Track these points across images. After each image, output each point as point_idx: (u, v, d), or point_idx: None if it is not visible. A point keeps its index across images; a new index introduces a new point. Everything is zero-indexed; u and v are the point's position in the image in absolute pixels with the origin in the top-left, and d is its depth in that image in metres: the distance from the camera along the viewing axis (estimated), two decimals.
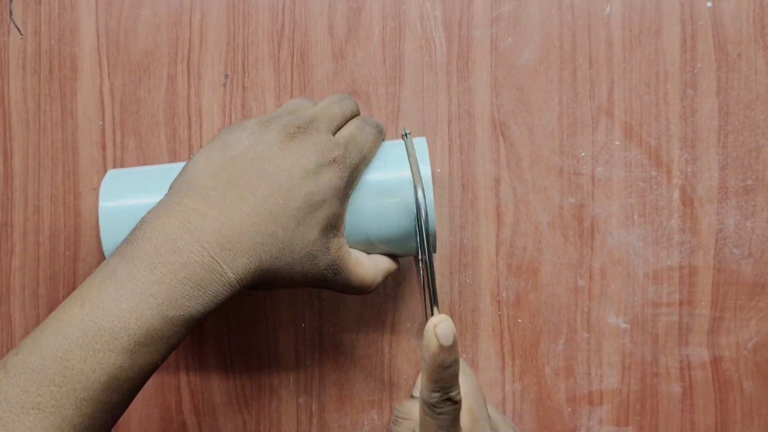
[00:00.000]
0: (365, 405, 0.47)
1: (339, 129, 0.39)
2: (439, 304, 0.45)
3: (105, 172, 0.46)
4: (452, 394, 0.35)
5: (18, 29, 0.46)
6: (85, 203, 0.46)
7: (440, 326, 0.34)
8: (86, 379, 0.31)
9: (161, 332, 0.32)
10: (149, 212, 0.35)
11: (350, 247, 0.39)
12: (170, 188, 0.37)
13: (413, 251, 0.41)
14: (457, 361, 0.35)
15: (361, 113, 0.43)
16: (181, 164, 0.42)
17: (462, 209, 0.46)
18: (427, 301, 0.40)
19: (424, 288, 0.37)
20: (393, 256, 0.42)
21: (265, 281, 0.35)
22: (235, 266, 0.33)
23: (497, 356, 0.46)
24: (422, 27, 0.46)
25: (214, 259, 0.33)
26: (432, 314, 0.36)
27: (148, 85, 0.46)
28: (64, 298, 0.46)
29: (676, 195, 0.46)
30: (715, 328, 0.46)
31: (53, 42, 0.46)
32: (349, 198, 0.38)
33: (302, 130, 0.37)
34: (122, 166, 0.46)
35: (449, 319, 0.35)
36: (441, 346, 0.34)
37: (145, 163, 0.46)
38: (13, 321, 0.46)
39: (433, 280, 0.36)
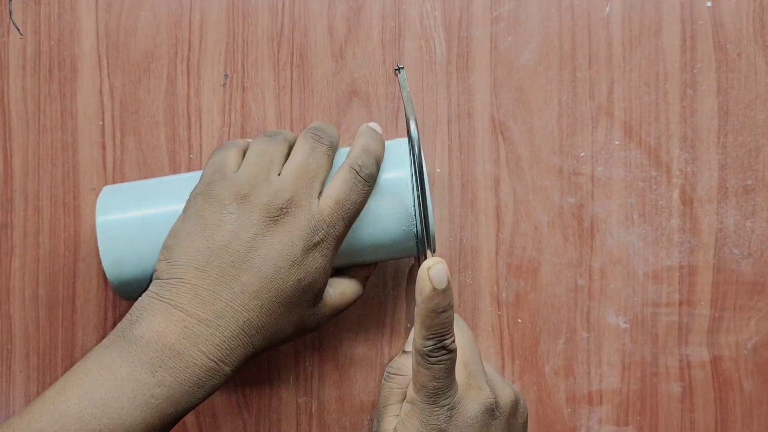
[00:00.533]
0: (365, 405, 0.47)
1: (323, 183, 0.37)
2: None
3: (105, 172, 0.46)
4: (447, 341, 0.34)
5: (18, 29, 0.46)
6: (85, 203, 0.46)
7: (434, 268, 0.33)
8: None
9: (158, 427, 0.33)
10: (142, 302, 0.35)
11: (346, 252, 0.39)
12: (157, 266, 0.36)
13: (412, 252, 0.41)
14: (451, 307, 0.34)
15: (363, 124, 0.41)
16: (175, 177, 0.42)
17: (462, 209, 0.46)
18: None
19: (422, 226, 0.36)
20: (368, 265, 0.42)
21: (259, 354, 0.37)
22: (231, 361, 0.35)
23: (497, 356, 0.46)
24: (422, 27, 0.46)
25: (212, 360, 0.34)
26: (426, 257, 0.35)
27: (148, 86, 0.46)
28: (63, 298, 0.46)
29: (675, 195, 0.46)
30: (714, 328, 0.46)
31: (53, 42, 0.46)
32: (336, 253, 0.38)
33: (284, 211, 0.36)
34: (122, 166, 0.46)
35: (443, 261, 0.34)
36: (435, 290, 0.33)
37: (144, 163, 0.46)
38: (13, 321, 0.46)
39: (427, 221, 0.35)
